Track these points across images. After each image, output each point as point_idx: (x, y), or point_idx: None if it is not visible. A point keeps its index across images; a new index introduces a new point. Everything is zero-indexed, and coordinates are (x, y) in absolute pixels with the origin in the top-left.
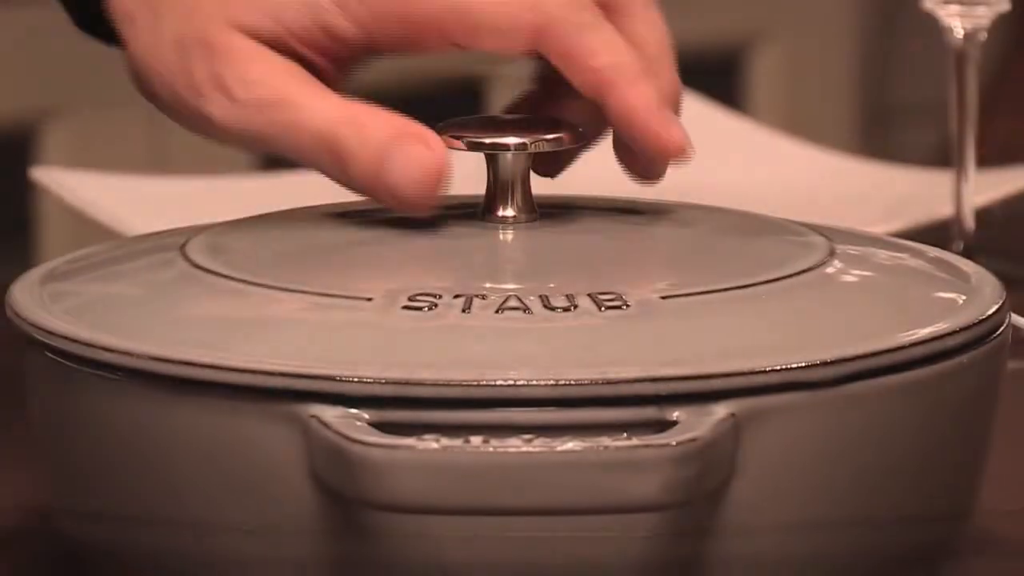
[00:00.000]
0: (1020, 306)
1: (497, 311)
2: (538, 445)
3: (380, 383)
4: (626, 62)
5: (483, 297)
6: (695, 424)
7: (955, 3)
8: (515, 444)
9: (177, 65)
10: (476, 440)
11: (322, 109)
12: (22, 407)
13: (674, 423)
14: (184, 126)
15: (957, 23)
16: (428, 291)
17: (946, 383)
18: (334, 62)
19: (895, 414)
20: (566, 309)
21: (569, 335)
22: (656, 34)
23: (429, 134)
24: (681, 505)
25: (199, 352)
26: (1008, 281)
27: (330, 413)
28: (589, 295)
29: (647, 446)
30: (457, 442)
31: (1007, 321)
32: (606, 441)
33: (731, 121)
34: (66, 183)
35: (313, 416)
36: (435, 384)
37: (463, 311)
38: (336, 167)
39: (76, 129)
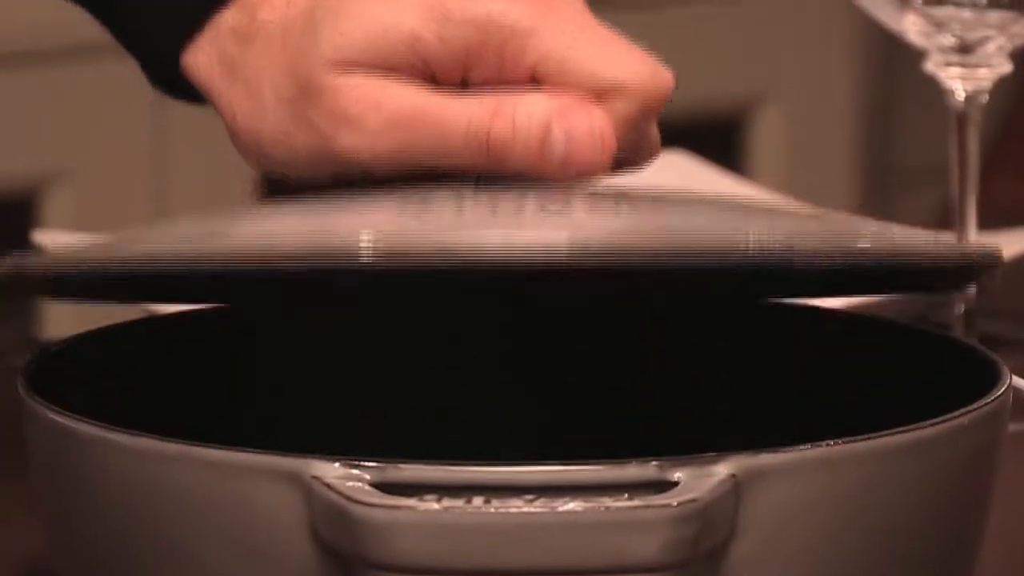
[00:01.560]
0: (1020, 368)
1: None
2: (539, 505)
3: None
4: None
5: None
6: (696, 485)
7: (956, 65)
8: (517, 504)
9: (291, 121)
10: (478, 500)
11: (463, 110)
12: (23, 460)
13: (675, 483)
14: (312, 178)
15: (958, 85)
16: None
17: (946, 444)
18: (431, 82)
19: (895, 475)
20: None
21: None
22: None
23: (582, 102)
24: (682, 566)
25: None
26: (1008, 343)
27: (332, 474)
28: None
29: (648, 507)
30: (459, 502)
31: (1007, 383)
32: (607, 501)
33: (733, 183)
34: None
35: (315, 477)
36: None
37: None
38: (493, 160)
39: (78, 192)
